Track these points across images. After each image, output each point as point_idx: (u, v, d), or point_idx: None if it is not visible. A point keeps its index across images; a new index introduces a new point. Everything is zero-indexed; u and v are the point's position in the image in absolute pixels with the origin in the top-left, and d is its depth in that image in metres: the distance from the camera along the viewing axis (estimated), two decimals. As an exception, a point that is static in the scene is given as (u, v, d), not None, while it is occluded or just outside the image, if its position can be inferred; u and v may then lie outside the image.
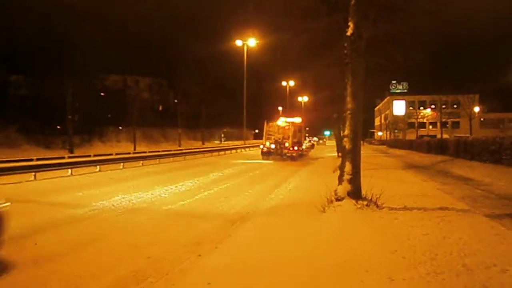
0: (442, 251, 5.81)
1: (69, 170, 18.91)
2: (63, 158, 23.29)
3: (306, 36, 12.12)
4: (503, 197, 11.80)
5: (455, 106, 78.53)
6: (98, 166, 21.14)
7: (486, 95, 74.55)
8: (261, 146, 34.57)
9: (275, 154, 33.13)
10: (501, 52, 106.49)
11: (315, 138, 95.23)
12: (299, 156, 34.56)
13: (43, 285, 5.46)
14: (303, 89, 52.60)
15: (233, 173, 21.53)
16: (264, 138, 34.70)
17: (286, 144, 32.95)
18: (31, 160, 20.01)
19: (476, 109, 74.86)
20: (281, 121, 35.42)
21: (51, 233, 8.27)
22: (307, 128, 58.02)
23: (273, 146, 33.27)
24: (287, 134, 33.44)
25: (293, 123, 34.79)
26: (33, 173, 16.81)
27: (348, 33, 9.33)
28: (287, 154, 32.91)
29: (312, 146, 55.86)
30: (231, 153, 43.85)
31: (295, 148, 33.43)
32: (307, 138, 55.19)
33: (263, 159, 33.25)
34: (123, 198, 12.47)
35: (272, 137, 33.68)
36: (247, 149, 51.43)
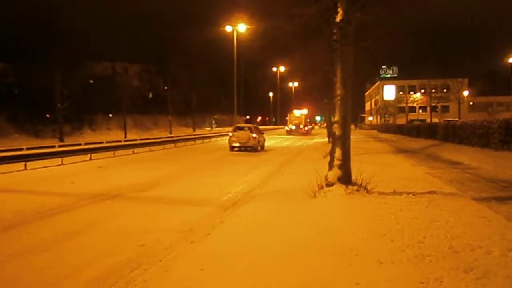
0: (429, 234, 5.94)
1: (60, 159, 18.84)
2: (54, 147, 23.17)
3: (296, 22, 12.08)
4: (490, 180, 11.99)
5: (444, 90, 78.95)
6: (89, 155, 21.08)
7: (475, 79, 75.13)
8: (286, 127, 61.45)
9: (295, 131, 58.63)
10: (490, 35, 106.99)
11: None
12: (307, 133, 60.24)
13: (37, 275, 5.50)
14: (294, 75, 52.70)
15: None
16: (288, 122, 61.52)
17: (301, 126, 59.69)
18: (21, 149, 19.84)
19: (465, 93, 75.39)
20: (297, 112, 61.39)
21: (43, 222, 8.30)
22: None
23: (293, 127, 59.53)
24: (300, 120, 60.25)
25: (302, 114, 61.42)
26: (24, 163, 16.72)
27: (338, 19, 9.33)
28: (301, 132, 58.80)
29: (313, 127, 78.48)
30: (222, 139, 43.84)
31: (305, 128, 60.99)
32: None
33: (287, 134, 57.93)
34: (115, 186, 12.50)
35: (293, 122, 60.15)
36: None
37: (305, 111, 62.71)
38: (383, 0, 11.33)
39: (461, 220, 6.73)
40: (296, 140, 44.33)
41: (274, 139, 44.24)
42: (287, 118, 61.38)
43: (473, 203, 8.32)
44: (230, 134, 28.31)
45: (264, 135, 30.76)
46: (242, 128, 28.79)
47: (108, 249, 6.46)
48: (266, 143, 31.45)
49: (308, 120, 68.24)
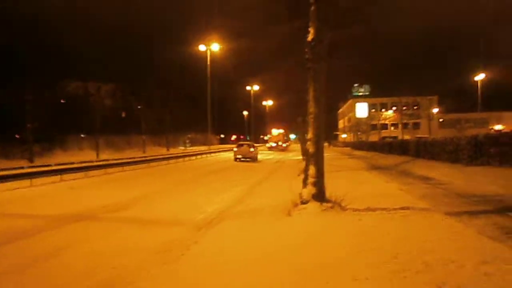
0: (403, 250, 5.98)
1: (29, 181, 18.35)
2: (23, 168, 22.58)
3: (269, 42, 12.26)
4: (461, 195, 12.22)
5: (415, 107, 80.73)
6: (59, 176, 20.60)
7: (444, 96, 77.05)
8: (267, 145, 73.65)
9: (275, 148, 68.71)
10: (458, 54, 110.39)
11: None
12: (285, 149, 68.96)
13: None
14: (268, 93, 53.23)
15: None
16: (269, 140, 74.62)
17: (279, 143, 69.97)
18: (-13, 171, 19.28)
19: (435, 110, 77.20)
20: (275, 132, 73.04)
21: (12, 246, 8.03)
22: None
23: (274, 144, 70.41)
24: (279, 138, 71.31)
25: (280, 133, 72.30)
26: (-9, 185, 16.22)
27: (309, 39, 9.47)
28: (280, 148, 68.36)
29: (289, 144, 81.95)
30: (196, 158, 43.60)
31: (283, 145, 70.38)
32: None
33: (269, 150, 68.60)
34: (87, 207, 12.23)
35: (273, 140, 72.03)
36: (212, 155, 51.21)
37: (282, 130, 73.36)
38: (354, 21, 11.57)
39: (434, 235, 6.81)
40: (276, 155, 45.09)
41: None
42: (267, 137, 76.02)
43: (445, 218, 8.43)
44: (235, 149, 39.76)
45: (257, 149, 43.04)
46: (242, 145, 40.19)
47: (80, 272, 6.28)
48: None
49: (285, 138, 76.30)
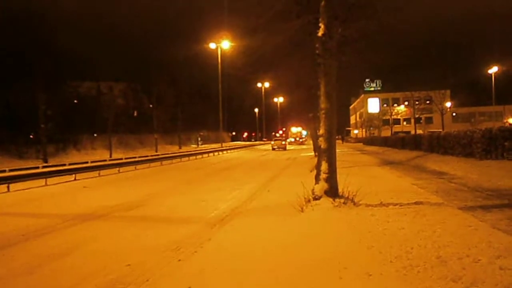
0: (417, 245, 5.94)
1: (44, 180, 18.59)
2: (37, 168, 22.85)
3: (279, 38, 12.18)
4: (475, 189, 12.10)
5: (427, 102, 79.98)
6: (74, 175, 20.83)
7: (457, 90, 76.24)
8: (288, 140, 79.80)
9: (294, 143, 79.85)
10: (471, 46, 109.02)
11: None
12: (302, 143, 79.29)
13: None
14: (279, 90, 53.09)
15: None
16: (289, 136, 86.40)
17: (297, 139, 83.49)
18: (3, 171, 19.55)
19: (448, 104, 76.45)
20: (295, 130, 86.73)
21: (27, 244, 8.15)
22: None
23: (292, 139, 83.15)
24: (298, 134, 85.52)
25: (298, 130, 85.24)
26: (6, 185, 16.45)
27: (320, 34, 9.43)
28: (298, 142, 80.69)
29: (306, 139, 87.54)
30: (208, 156, 43.73)
31: (301, 140, 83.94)
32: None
33: (289, 144, 71.89)
34: (101, 206, 12.35)
35: (292, 136, 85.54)
36: (224, 152, 51.32)
37: (300, 128, 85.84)
38: (364, 15, 11.47)
39: (448, 230, 6.76)
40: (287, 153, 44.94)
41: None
42: (289, 133, 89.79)
43: (459, 213, 8.37)
44: (272, 142, 61.72)
45: (286, 142, 66.53)
46: (277, 139, 65.12)
47: (94, 270, 6.34)
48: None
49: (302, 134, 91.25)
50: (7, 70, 37.52)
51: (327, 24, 9.36)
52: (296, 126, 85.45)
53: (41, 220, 10.45)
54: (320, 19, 9.48)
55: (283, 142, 59.74)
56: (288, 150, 57.11)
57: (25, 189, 16.75)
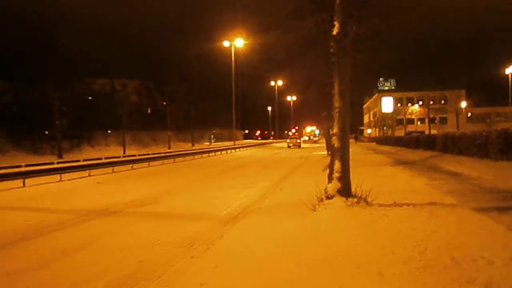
0: (430, 246, 5.89)
1: (59, 176, 18.81)
2: (52, 163, 23.07)
3: (293, 36, 12.14)
4: (490, 190, 11.96)
5: (442, 101, 79.20)
6: (88, 171, 21.03)
7: (472, 90, 75.34)
8: (302, 138, 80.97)
9: (308, 141, 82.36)
10: (486, 46, 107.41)
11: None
12: (316, 142, 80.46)
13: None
14: (292, 89, 52.96)
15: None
16: (303, 135, 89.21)
17: (311, 137, 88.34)
18: (19, 166, 19.79)
19: (463, 104, 75.59)
20: (309, 129, 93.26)
21: (42, 239, 8.25)
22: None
23: (307, 138, 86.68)
24: (311, 133, 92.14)
25: (312, 130, 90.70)
26: (22, 180, 16.68)
27: (334, 32, 9.38)
28: (312, 141, 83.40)
29: (319, 138, 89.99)
30: (221, 154, 43.83)
31: (314, 139, 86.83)
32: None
33: (303, 142, 74.12)
34: (114, 201, 12.45)
35: (306, 135, 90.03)
36: (237, 150, 51.38)
37: (314, 127, 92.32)
38: (379, 13, 11.39)
39: (462, 231, 6.68)
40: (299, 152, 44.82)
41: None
42: (303, 132, 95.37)
43: (473, 214, 8.28)
44: (288, 140, 66.87)
45: (301, 140, 71.71)
46: (292, 138, 69.76)
47: (107, 265, 6.39)
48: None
49: (315, 133, 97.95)
50: (22, 68, 38.02)
51: (342, 23, 9.31)
52: (310, 125, 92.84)
53: (55, 215, 10.57)
54: (335, 18, 9.43)
55: (298, 140, 64.73)
56: (302, 148, 59.83)
57: (40, 184, 16.96)
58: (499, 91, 69.47)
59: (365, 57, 13.01)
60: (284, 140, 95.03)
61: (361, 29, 10.35)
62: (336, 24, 9.34)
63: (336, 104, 9.53)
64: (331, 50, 9.57)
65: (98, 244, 7.84)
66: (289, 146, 61.52)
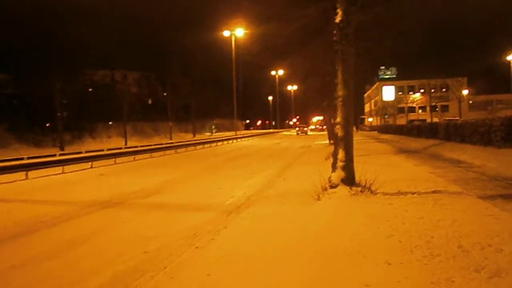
0: (437, 234, 5.87)
1: (61, 168, 18.79)
2: (54, 155, 23.05)
3: (295, 25, 12.04)
4: (495, 178, 11.91)
5: (444, 89, 78.95)
6: (90, 163, 21.01)
7: (474, 77, 75.11)
8: (310, 127, 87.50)
9: (315, 130, 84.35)
10: (487, 33, 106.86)
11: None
12: (322, 130, 73.37)
13: (44, 283, 5.45)
14: (293, 78, 52.75)
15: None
16: (310, 124, 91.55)
17: (317, 126, 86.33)
18: (21, 159, 19.77)
19: (465, 92, 75.34)
20: (315, 118, 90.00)
21: (47, 231, 8.24)
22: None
23: (313, 127, 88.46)
24: (318, 123, 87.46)
25: (318, 119, 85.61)
26: (25, 172, 16.67)
27: (337, 20, 9.30)
28: (318, 130, 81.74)
29: (326, 127, 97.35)
30: (222, 144, 43.79)
31: (320, 127, 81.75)
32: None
33: (310, 131, 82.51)
34: (117, 193, 12.44)
35: (313, 124, 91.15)
36: (238, 140, 51.33)
37: (320, 117, 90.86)
38: (382, 0, 11.29)
39: (469, 219, 6.66)
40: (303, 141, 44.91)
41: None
42: (310, 122, 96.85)
43: (479, 201, 8.25)
44: (297, 129, 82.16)
45: (308, 128, 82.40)
46: (301, 126, 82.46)
47: (113, 257, 6.38)
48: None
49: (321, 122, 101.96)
50: (23, 60, 37.93)
51: (345, 10, 9.22)
52: (314, 115, 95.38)
53: (59, 207, 10.56)
54: (337, 5, 9.33)
55: (305, 129, 78.50)
56: (308, 135, 69.58)
57: (43, 176, 16.94)
58: (501, 79, 69.26)
59: (368, 45, 12.93)
60: (286, 129, 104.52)
61: (364, 17, 10.27)
62: (339, 11, 9.25)
63: (340, 93, 9.47)
64: (334, 39, 9.49)
65: (102, 236, 7.83)
66: (297, 134, 73.86)
